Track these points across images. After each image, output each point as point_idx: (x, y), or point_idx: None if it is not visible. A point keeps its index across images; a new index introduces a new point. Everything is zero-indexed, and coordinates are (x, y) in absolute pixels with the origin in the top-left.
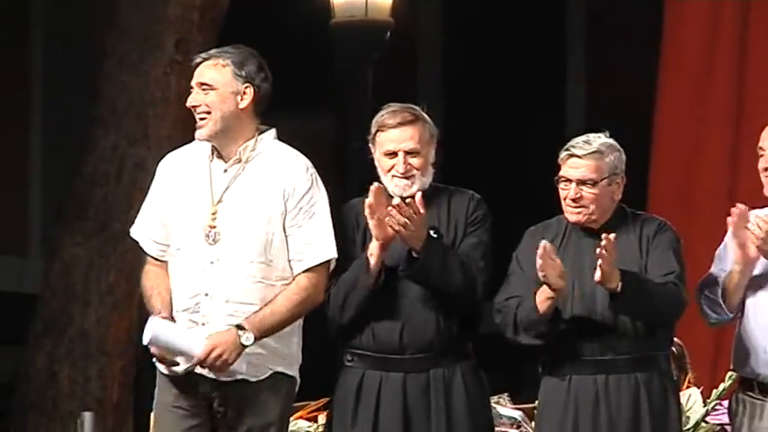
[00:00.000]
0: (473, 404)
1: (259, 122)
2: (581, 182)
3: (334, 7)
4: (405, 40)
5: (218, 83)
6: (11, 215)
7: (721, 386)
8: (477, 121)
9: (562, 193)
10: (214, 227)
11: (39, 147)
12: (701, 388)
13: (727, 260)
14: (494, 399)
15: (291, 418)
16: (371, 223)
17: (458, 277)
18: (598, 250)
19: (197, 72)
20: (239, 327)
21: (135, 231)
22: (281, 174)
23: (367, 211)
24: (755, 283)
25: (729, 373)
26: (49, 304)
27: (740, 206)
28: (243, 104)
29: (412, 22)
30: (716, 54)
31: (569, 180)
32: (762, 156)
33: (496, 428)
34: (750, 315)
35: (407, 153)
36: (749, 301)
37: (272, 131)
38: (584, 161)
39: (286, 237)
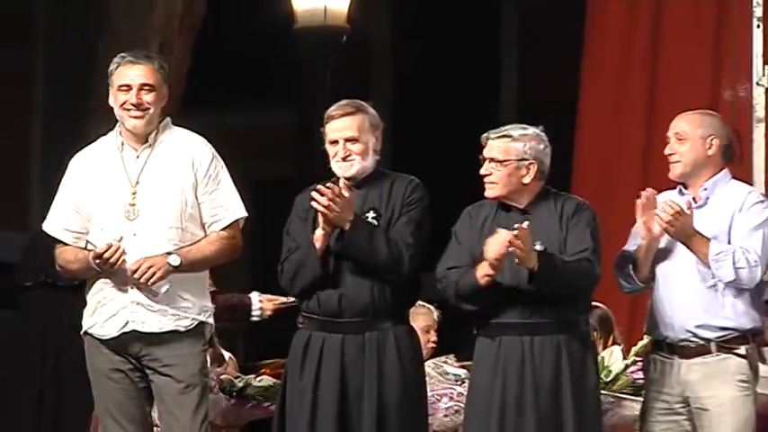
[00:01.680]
0: (404, 364)
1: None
2: (491, 160)
3: (297, 15)
4: (358, 43)
5: (157, 84)
6: (13, 195)
7: (640, 344)
8: (421, 114)
9: (491, 174)
10: (134, 204)
11: (39, 134)
12: (623, 346)
13: (639, 237)
14: (441, 359)
15: (259, 374)
16: (320, 215)
17: (383, 252)
18: (510, 236)
19: (137, 73)
20: (168, 253)
21: (47, 226)
22: (186, 151)
23: (314, 204)
24: (663, 258)
25: (645, 336)
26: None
27: (648, 190)
28: (165, 101)
29: (365, 28)
30: (631, 56)
31: (484, 158)
32: (668, 142)
33: (443, 384)
34: (659, 286)
35: (347, 140)
36: (658, 274)
37: (168, 119)
38: (495, 142)
39: (198, 204)
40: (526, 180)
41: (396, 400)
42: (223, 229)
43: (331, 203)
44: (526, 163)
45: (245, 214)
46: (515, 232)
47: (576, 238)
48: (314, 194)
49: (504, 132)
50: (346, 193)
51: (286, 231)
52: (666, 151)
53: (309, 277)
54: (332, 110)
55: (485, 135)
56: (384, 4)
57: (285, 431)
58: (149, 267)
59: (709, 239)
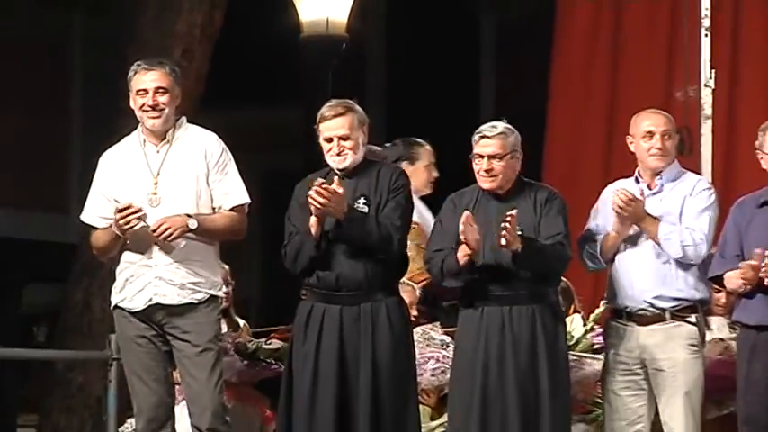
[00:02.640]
0: (395, 330)
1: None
2: (491, 156)
3: (303, 25)
4: (357, 50)
5: (170, 86)
6: (55, 181)
7: (597, 311)
8: (411, 111)
9: (476, 167)
10: (156, 193)
11: (79, 128)
12: (582, 314)
13: (599, 216)
14: (428, 326)
15: (269, 338)
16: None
17: (375, 236)
18: (503, 224)
19: (152, 78)
20: (188, 215)
21: (85, 216)
22: (199, 145)
23: (312, 202)
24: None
25: (603, 302)
26: (85, 251)
27: (626, 192)
28: (179, 101)
29: (362, 36)
30: (595, 60)
31: (482, 156)
32: (630, 141)
33: (430, 349)
34: (618, 262)
35: (340, 138)
36: (618, 251)
37: (184, 119)
38: (493, 140)
39: (210, 191)
40: (518, 169)
41: (388, 363)
42: (230, 210)
43: (327, 201)
44: (516, 154)
45: (249, 200)
46: (507, 219)
47: (550, 223)
48: (311, 194)
49: (501, 130)
50: (340, 189)
51: (287, 217)
52: (629, 143)
53: (307, 259)
54: (324, 110)
55: (479, 134)
56: (379, 16)
57: (292, 389)
58: (167, 228)
59: (659, 220)
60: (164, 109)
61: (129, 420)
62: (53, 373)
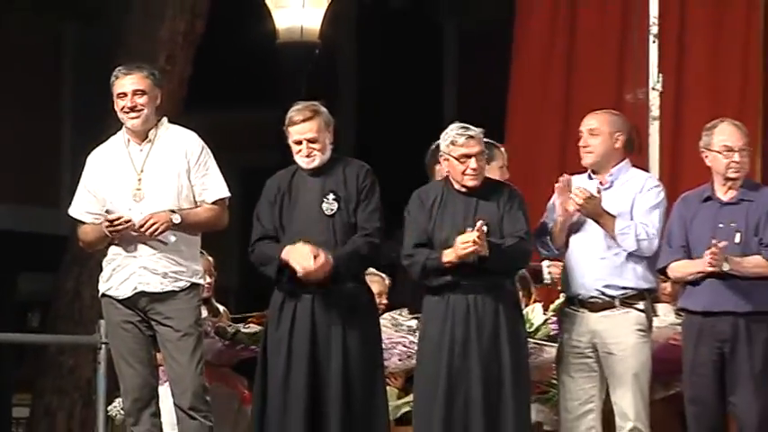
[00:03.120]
0: (363, 317)
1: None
2: (479, 155)
3: (279, 32)
4: (329, 55)
5: (147, 88)
6: (48, 177)
7: (557, 302)
8: (380, 110)
9: (460, 167)
10: (140, 189)
11: (70, 128)
12: (542, 303)
13: (554, 212)
14: (396, 312)
15: (247, 323)
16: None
17: (366, 264)
18: (475, 237)
19: (130, 81)
20: (172, 211)
21: (72, 211)
22: (180, 143)
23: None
24: (576, 230)
25: (562, 294)
26: (76, 243)
27: (565, 176)
28: (158, 102)
29: (334, 42)
30: (551, 63)
31: (469, 156)
32: (581, 136)
33: (398, 334)
34: (572, 253)
35: (309, 141)
36: (572, 243)
37: (165, 119)
38: (476, 140)
39: (191, 186)
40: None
41: (357, 347)
42: (212, 203)
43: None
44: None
45: (228, 194)
46: (477, 233)
47: (512, 220)
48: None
49: (479, 133)
50: (324, 264)
51: (256, 215)
52: (581, 144)
53: (269, 274)
54: (292, 114)
55: (462, 136)
56: (350, 23)
57: (266, 371)
58: (153, 223)
59: (614, 217)
60: (142, 110)
61: (116, 400)
62: (46, 357)
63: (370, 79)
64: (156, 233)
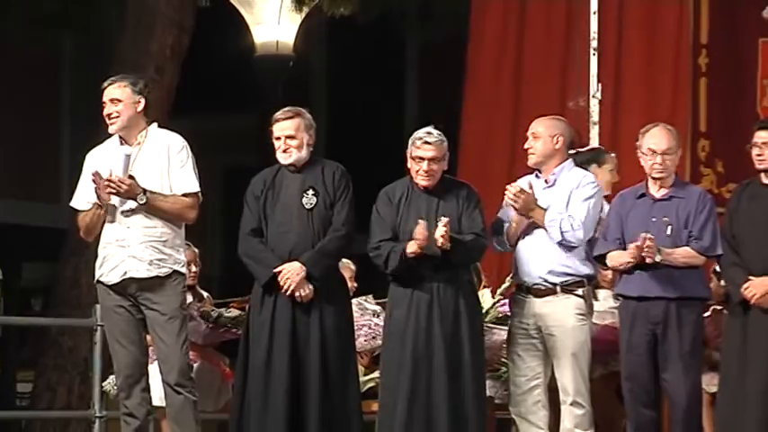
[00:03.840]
0: (338, 302)
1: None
2: (431, 159)
3: (257, 45)
4: (302, 66)
5: (123, 96)
6: (49, 176)
7: (503, 286)
8: (348, 117)
9: (416, 167)
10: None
11: (68, 131)
12: (491, 288)
13: (509, 211)
14: (362, 298)
15: (228, 307)
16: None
17: (341, 254)
18: (441, 233)
19: (107, 91)
20: (145, 191)
21: (74, 203)
22: (164, 143)
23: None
24: (528, 231)
25: (508, 278)
26: (74, 235)
27: (515, 186)
28: (139, 108)
29: (306, 55)
30: (502, 74)
31: (423, 158)
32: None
33: (364, 317)
34: (520, 244)
35: (287, 137)
36: (520, 235)
37: (155, 124)
38: (433, 146)
39: (170, 178)
40: (445, 168)
41: (333, 329)
42: (182, 195)
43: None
44: (446, 157)
45: (198, 190)
46: (443, 229)
47: (470, 218)
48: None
49: (438, 138)
50: (306, 290)
51: (246, 202)
52: (526, 146)
53: (258, 278)
54: (277, 114)
55: (419, 139)
56: (321, 38)
57: (249, 352)
58: (120, 187)
59: (545, 210)
60: (117, 117)
61: (110, 377)
62: (47, 338)
63: (339, 88)
64: (110, 193)
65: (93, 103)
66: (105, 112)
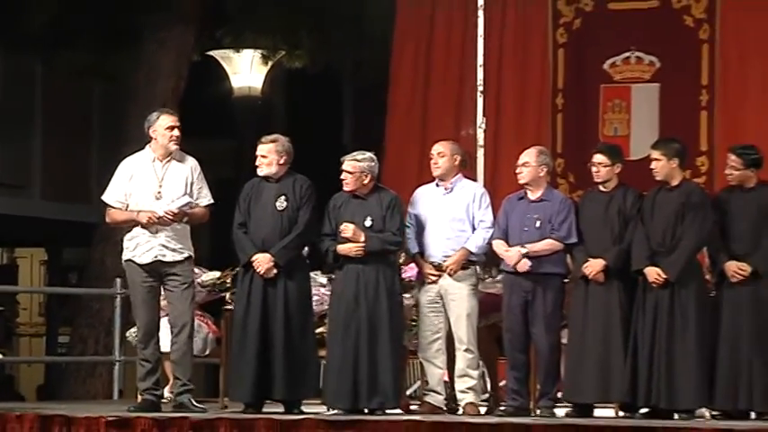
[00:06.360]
0: (301, 279)
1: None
2: (347, 172)
3: (234, 89)
4: (267, 106)
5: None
6: (82, 184)
7: (402, 257)
8: (300, 143)
9: (342, 177)
10: (160, 192)
11: (98, 151)
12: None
13: (415, 208)
14: (313, 272)
15: (221, 275)
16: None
17: (302, 247)
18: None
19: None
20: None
21: (106, 198)
22: (187, 163)
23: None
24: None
25: (402, 255)
26: (101, 227)
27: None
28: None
29: (271, 96)
30: (413, 112)
31: (344, 171)
32: (432, 157)
33: (313, 287)
34: (427, 230)
35: (261, 156)
36: (427, 222)
37: (178, 147)
38: (350, 163)
39: (193, 192)
40: (365, 182)
41: (294, 295)
42: (204, 206)
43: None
44: (365, 173)
45: (212, 201)
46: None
47: (391, 220)
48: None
49: (353, 157)
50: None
51: (237, 203)
52: (432, 162)
53: (241, 259)
54: (262, 139)
55: (342, 159)
56: (281, 84)
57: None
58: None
59: (468, 250)
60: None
61: (131, 329)
62: (81, 302)
63: (294, 121)
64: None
65: (116, 130)
66: (174, 134)
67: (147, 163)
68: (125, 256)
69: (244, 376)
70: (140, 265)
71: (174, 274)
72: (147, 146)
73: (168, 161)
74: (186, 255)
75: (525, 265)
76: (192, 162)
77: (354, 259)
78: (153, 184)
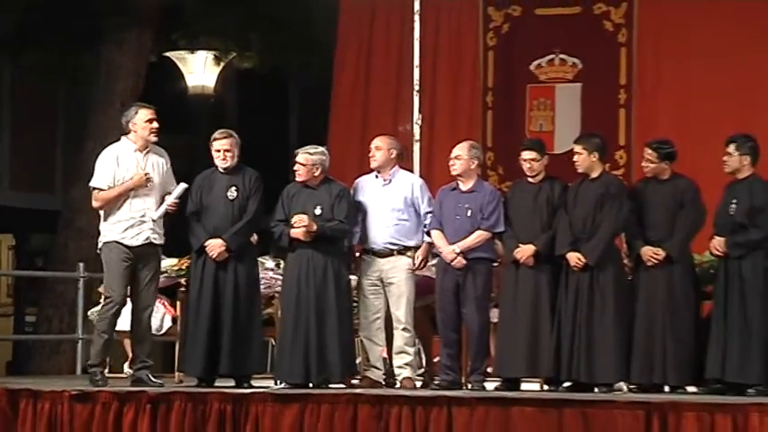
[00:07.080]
0: (249, 263)
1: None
2: (300, 164)
3: (189, 88)
4: (220, 103)
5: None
6: (47, 175)
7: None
8: (249, 139)
9: (295, 169)
10: (147, 176)
11: (62, 144)
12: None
13: (357, 196)
14: (262, 257)
15: (177, 262)
16: None
17: (250, 234)
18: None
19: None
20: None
21: (96, 182)
22: (162, 154)
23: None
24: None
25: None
26: (65, 215)
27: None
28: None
29: (223, 95)
30: (353, 109)
31: (297, 163)
32: (371, 151)
33: (262, 272)
34: (369, 220)
35: (225, 150)
36: (369, 212)
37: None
38: (302, 156)
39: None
40: (316, 174)
41: (243, 279)
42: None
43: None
44: (316, 165)
45: (186, 186)
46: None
47: (339, 208)
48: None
49: (306, 150)
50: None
51: (190, 193)
52: (370, 155)
53: (193, 245)
54: (216, 134)
55: (296, 151)
56: (232, 83)
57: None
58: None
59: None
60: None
61: (89, 311)
62: (46, 284)
63: (244, 118)
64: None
65: (79, 125)
66: (154, 127)
67: (130, 152)
68: (108, 237)
69: (196, 353)
70: (129, 247)
71: (152, 258)
72: (124, 137)
73: (148, 151)
74: (162, 239)
75: (460, 262)
76: (164, 153)
77: (305, 244)
78: (139, 170)
